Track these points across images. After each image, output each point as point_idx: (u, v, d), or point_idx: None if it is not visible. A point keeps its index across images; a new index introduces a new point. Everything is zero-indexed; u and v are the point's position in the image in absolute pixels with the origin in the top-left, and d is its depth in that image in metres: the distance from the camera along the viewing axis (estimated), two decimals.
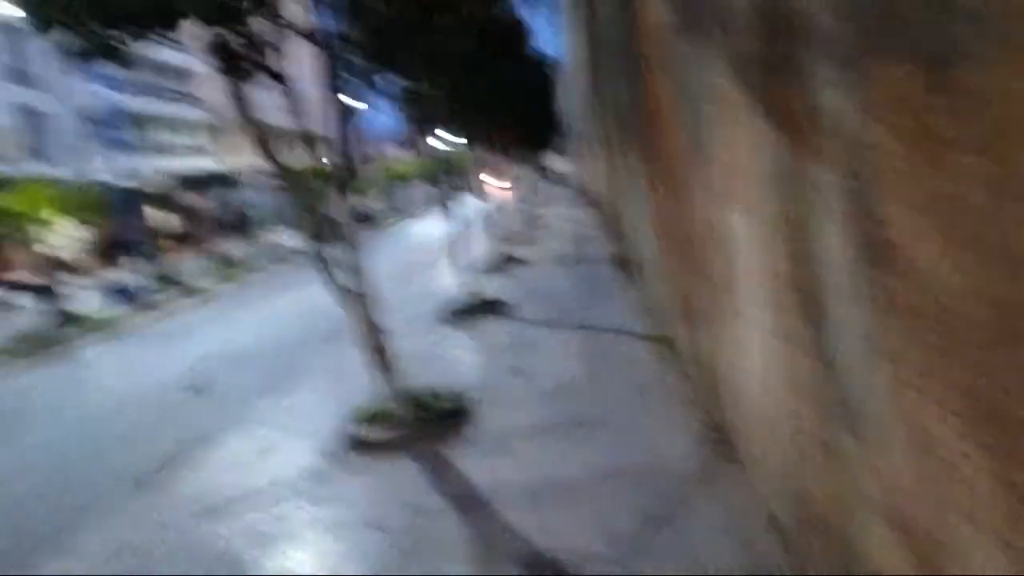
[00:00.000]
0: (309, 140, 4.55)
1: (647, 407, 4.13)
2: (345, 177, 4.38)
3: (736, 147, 2.17)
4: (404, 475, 3.83)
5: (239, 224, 39.39)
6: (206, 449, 4.95)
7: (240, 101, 4.30)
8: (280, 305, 12.95)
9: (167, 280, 18.10)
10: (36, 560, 3.75)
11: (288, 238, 27.25)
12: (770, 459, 2.60)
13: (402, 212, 42.92)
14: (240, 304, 14.52)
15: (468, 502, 3.41)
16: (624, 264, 9.14)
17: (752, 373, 2.54)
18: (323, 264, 4.35)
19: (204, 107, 43.09)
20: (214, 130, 43.90)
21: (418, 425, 4.34)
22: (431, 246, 19.00)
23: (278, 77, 4.72)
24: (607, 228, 13.86)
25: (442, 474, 3.78)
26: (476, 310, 7.85)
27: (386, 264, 16.29)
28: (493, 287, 9.53)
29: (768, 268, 2.06)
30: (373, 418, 4.48)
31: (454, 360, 6.08)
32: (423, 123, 10.09)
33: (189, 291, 17.33)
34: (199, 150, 41.86)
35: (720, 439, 3.42)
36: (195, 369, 8.31)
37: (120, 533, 3.85)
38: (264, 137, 4.27)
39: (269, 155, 4.29)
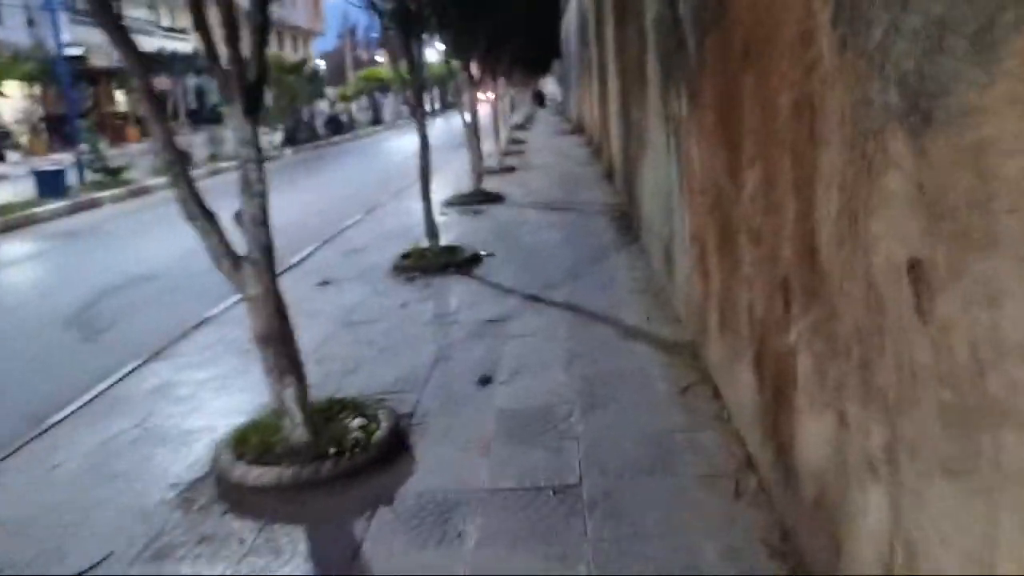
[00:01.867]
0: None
1: (673, 485, 2.73)
2: (249, 81, 2.78)
3: None
4: None
5: (209, 116, 36.76)
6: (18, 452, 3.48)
7: None
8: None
9: (107, 171, 16.15)
10: None
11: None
12: None
13: (384, 122, 40.51)
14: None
15: None
16: (625, 223, 7.66)
17: None
18: (194, 211, 2.79)
19: None
20: (190, 8, 40.58)
21: (326, 465, 2.91)
22: (403, 164, 17.23)
23: None
24: (598, 168, 12.28)
25: None
26: (438, 264, 6.35)
27: (347, 184, 14.45)
28: (462, 231, 8.01)
29: None
30: (259, 447, 3.04)
31: (395, 346, 4.61)
32: (409, 29, 8.36)
33: (129, 187, 15.46)
34: (178, 31, 38.71)
35: None
36: (93, 301, 6.74)
37: None
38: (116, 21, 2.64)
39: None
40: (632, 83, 6.80)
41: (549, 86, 50.72)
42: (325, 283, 6.24)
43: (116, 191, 14.74)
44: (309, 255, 7.49)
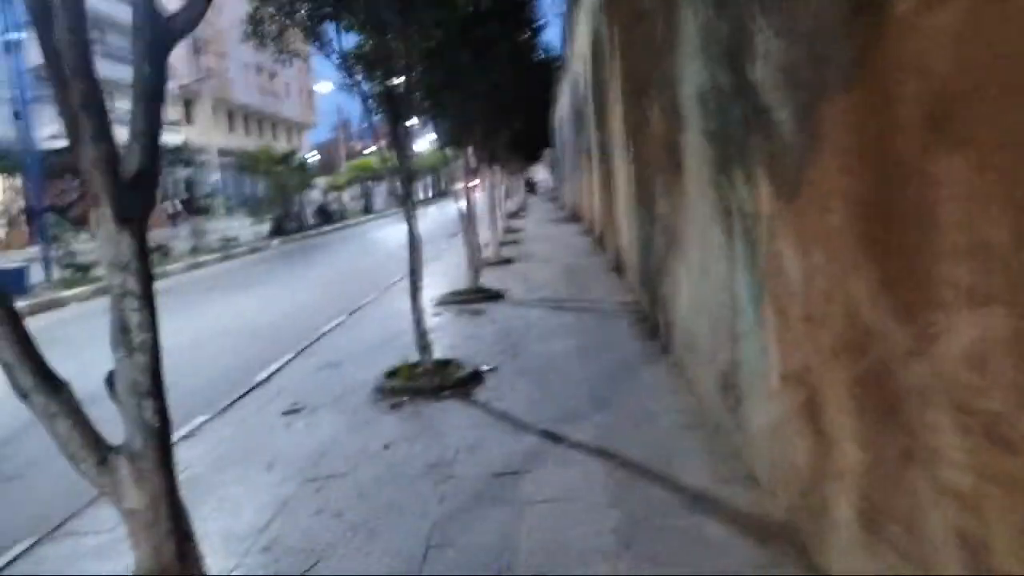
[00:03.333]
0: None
1: None
2: (127, 171, 1.73)
3: None
4: None
5: (191, 207, 36.16)
6: None
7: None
8: (191, 323, 10.13)
9: (76, 267, 15.13)
10: None
11: (242, 230, 24.30)
12: None
13: (375, 211, 40.07)
14: None
15: None
16: (646, 328, 6.60)
17: None
18: (26, 380, 1.69)
19: (172, 75, 39.94)
20: (182, 100, 40.68)
21: None
22: (394, 255, 16.29)
23: None
24: (602, 259, 11.34)
25: None
26: (430, 385, 5.22)
27: (332, 278, 13.19)
28: (459, 337, 6.92)
29: None
30: None
31: (372, 520, 3.45)
32: (396, 113, 7.60)
33: (99, 284, 14.41)
34: (167, 122, 38.62)
35: None
36: (6, 436, 5.55)
37: None
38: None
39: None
40: (654, 169, 5.87)
41: (540, 173, 50.88)
42: (293, 411, 5.10)
43: (82, 289, 13.68)
44: (279, 369, 6.37)
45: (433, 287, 10.34)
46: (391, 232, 26.09)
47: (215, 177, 40.37)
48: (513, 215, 25.81)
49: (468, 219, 9.27)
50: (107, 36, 34.40)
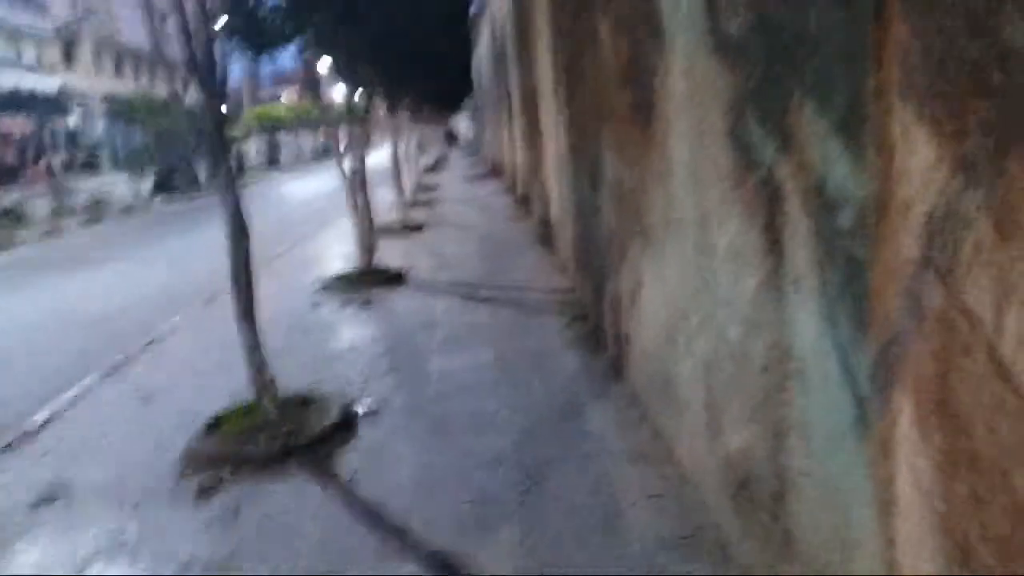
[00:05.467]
0: None
1: None
2: None
3: None
4: None
5: (86, 162, 32.47)
6: None
7: None
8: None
9: None
10: None
11: (120, 188, 21.36)
12: None
13: (278, 165, 37.04)
14: None
15: None
16: (588, 332, 4.92)
17: None
18: None
19: (50, 17, 35.51)
20: (60, 42, 36.27)
21: None
22: (294, 217, 14.11)
23: None
24: (527, 225, 9.61)
25: None
26: (273, 447, 3.42)
27: (210, 249, 10.03)
28: (337, 347, 5.10)
29: None
30: None
31: None
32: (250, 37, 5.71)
33: None
34: (42, 67, 34.35)
35: None
36: None
37: None
38: None
39: None
40: (603, 114, 4.13)
41: (463, 123, 48.42)
42: (43, 502, 3.22)
43: None
44: (72, 403, 4.42)
45: (322, 262, 8.46)
46: (298, 187, 23.68)
47: (100, 128, 36.44)
48: (430, 170, 23.78)
49: (356, 185, 7.32)
50: None
